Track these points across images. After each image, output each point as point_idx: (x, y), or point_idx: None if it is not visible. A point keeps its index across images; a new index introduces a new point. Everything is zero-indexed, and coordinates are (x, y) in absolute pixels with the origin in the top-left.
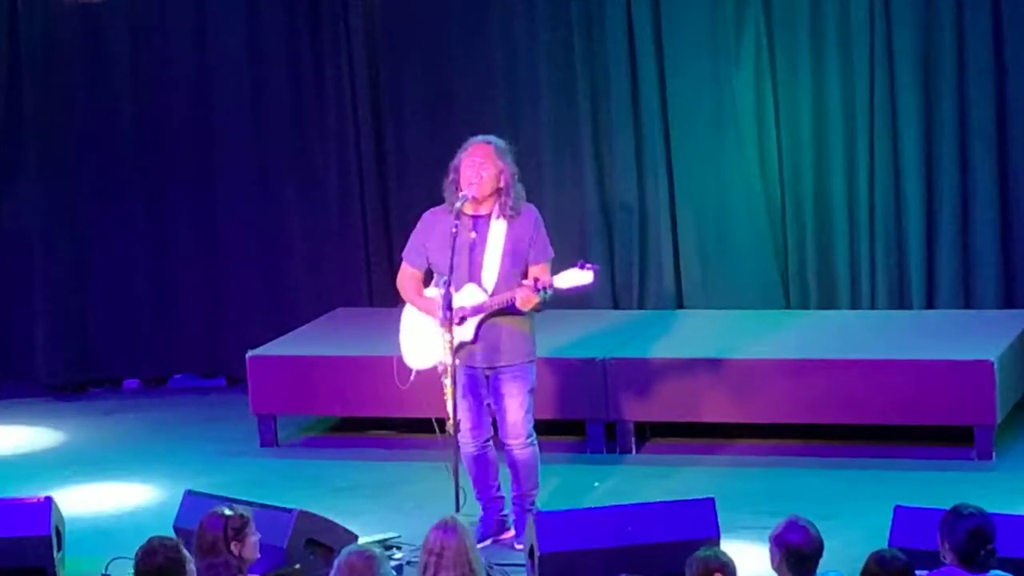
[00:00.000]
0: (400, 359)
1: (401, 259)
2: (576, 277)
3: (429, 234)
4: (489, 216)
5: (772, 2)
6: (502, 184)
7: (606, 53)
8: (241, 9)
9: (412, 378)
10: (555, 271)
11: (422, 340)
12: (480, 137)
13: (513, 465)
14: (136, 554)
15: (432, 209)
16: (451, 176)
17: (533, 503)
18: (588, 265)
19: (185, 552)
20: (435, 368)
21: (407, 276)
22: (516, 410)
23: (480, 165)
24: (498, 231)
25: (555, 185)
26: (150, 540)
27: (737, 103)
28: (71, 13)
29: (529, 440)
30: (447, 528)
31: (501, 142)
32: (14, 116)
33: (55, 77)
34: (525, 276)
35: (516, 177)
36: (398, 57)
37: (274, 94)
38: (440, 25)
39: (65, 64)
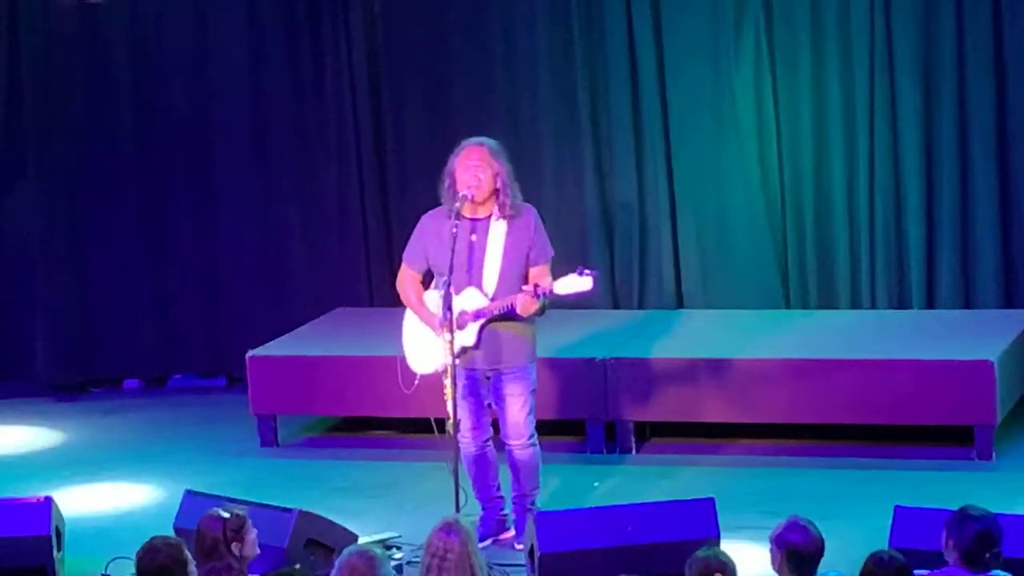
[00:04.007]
0: (404, 363)
1: (401, 260)
2: (575, 284)
3: (428, 236)
4: (488, 218)
5: (772, 2)
6: (499, 185)
7: (606, 53)
8: (241, 9)
9: (416, 382)
10: (555, 272)
11: (425, 345)
12: (473, 139)
13: (514, 465)
14: (138, 553)
15: (431, 211)
16: (447, 181)
17: (533, 503)
18: (587, 272)
19: (187, 552)
20: (439, 372)
21: (407, 278)
22: (518, 411)
23: (476, 168)
24: (498, 233)
25: (555, 185)
26: (152, 539)
27: (737, 103)
28: (71, 14)
29: (531, 440)
30: (451, 530)
31: (494, 143)
32: (14, 116)
33: (55, 77)
34: (526, 277)
35: (512, 176)
36: (398, 57)
37: (274, 94)
38: (440, 25)
39: (65, 64)
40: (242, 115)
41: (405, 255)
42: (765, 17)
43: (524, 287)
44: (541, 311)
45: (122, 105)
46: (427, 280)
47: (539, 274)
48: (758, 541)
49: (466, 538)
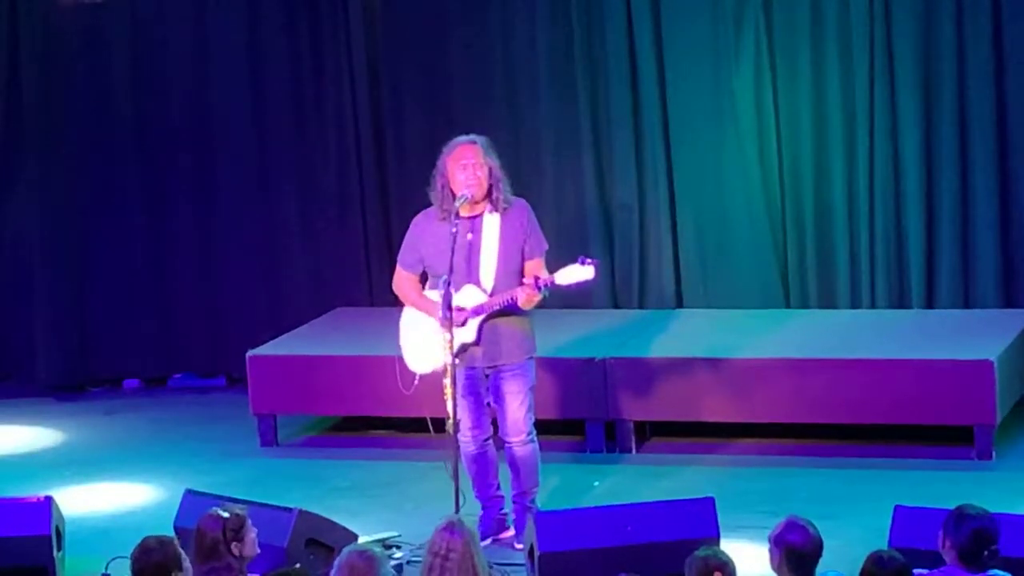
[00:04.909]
0: (403, 364)
1: (396, 263)
2: (577, 273)
3: (423, 238)
4: (481, 215)
5: (772, 2)
6: (492, 181)
7: (606, 53)
8: (241, 9)
9: (416, 383)
10: (553, 269)
11: (424, 345)
12: (463, 138)
13: (513, 463)
14: (133, 553)
15: (423, 212)
16: (439, 182)
17: (533, 502)
18: (588, 261)
19: (181, 550)
20: (438, 371)
21: (404, 280)
22: (517, 407)
23: (473, 166)
24: (492, 228)
25: (555, 184)
26: (146, 539)
27: (737, 103)
28: (71, 14)
29: (529, 437)
30: (454, 530)
31: (484, 139)
32: (14, 117)
33: (55, 78)
34: (522, 270)
35: (503, 170)
36: (398, 56)
37: (274, 93)
38: (440, 24)
39: (65, 64)
40: (242, 115)
41: (400, 259)
42: (765, 17)
43: (525, 280)
44: (541, 301)
45: (122, 105)
46: (422, 281)
47: (535, 268)
48: (758, 541)
49: (469, 538)
